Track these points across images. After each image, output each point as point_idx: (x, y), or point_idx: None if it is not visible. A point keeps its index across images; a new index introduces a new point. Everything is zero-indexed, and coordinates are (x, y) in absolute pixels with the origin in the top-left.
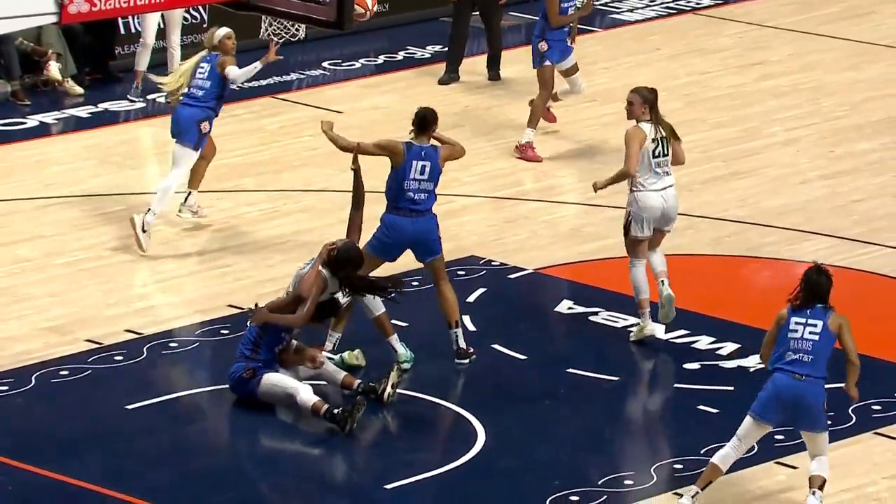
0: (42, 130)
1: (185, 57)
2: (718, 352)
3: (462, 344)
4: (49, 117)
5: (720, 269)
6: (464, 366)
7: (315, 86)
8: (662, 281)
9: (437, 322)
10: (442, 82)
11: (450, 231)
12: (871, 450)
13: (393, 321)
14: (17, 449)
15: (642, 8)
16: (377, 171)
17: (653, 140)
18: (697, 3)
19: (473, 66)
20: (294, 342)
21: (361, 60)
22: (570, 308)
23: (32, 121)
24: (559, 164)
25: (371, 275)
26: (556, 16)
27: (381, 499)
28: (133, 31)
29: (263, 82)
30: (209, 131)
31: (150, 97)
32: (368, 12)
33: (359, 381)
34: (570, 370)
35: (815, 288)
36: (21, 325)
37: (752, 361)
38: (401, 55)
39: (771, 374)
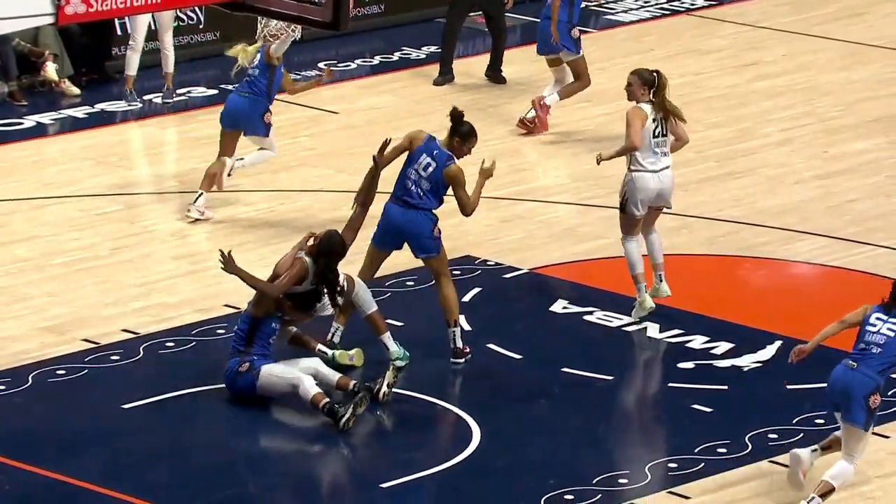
0: (39, 131)
1: (179, 59)
2: (712, 351)
3: (458, 343)
4: (46, 118)
5: (715, 269)
6: (459, 365)
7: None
8: (660, 276)
9: (433, 322)
10: (437, 83)
11: (445, 231)
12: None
13: (388, 321)
14: (15, 448)
15: (637, 9)
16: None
17: (653, 120)
18: (692, 4)
19: (469, 66)
20: (292, 328)
21: (357, 61)
22: (565, 308)
23: (29, 121)
24: (554, 165)
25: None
26: None
27: (377, 498)
28: (130, 31)
29: None
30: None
31: (146, 98)
32: None
33: (354, 381)
34: (566, 369)
35: None
36: (18, 324)
37: (746, 360)
38: (396, 56)
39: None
